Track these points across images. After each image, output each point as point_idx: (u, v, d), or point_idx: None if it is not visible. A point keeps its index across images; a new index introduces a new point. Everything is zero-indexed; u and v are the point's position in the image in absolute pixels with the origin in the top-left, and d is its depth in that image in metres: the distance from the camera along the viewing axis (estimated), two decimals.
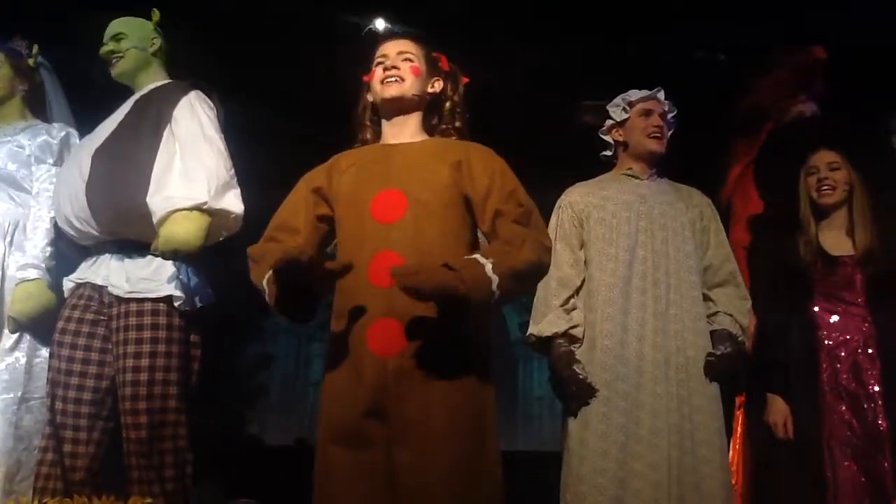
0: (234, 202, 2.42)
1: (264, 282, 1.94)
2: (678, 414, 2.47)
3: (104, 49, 2.70)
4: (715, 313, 2.65)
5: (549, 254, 2.00)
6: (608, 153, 2.87)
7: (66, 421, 2.41)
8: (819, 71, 3.39)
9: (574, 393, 2.55)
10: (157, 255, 2.36)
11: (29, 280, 2.63)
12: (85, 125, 2.80)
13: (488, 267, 1.84)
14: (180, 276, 2.42)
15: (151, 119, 2.52)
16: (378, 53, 2.17)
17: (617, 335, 2.55)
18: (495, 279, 1.84)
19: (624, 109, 2.78)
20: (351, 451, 1.90)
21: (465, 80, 2.25)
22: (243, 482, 4.47)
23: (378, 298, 1.94)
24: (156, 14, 2.72)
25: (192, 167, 2.42)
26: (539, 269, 1.99)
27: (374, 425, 1.89)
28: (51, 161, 2.77)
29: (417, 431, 1.87)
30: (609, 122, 2.81)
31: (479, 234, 2.13)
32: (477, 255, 1.88)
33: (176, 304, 2.41)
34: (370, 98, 2.20)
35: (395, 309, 1.92)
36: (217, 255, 2.43)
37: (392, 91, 2.10)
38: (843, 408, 2.66)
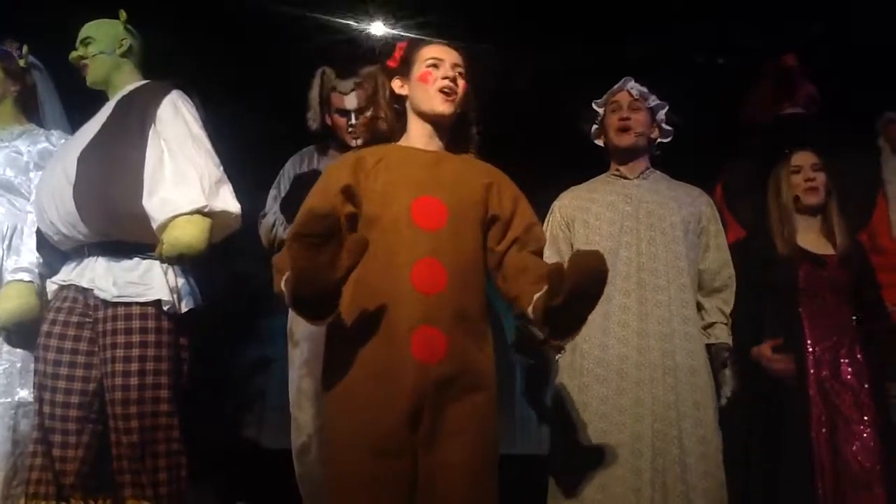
0: (231, 201, 2.42)
1: (283, 281, 1.89)
2: (665, 420, 2.44)
3: (73, 55, 2.69)
4: (712, 324, 2.62)
5: None
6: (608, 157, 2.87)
7: (54, 425, 2.40)
8: (794, 78, 3.40)
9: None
10: (160, 260, 2.36)
11: (23, 282, 2.62)
12: (77, 127, 2.78)
13: None
14: (168, 280, 2.41)
15: (135, 120, 2.50)
16: (428, 54, 2.14)
17: (597, 338, 2.51)
18: None
19: (598, 111, 2.79)
20: (380, 459, 1.88)
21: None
22: (241, 485, 4.45)
23: (422, 305, 1.95)
24: (123, 14, 2.70)
25: (185, 168, 2.41)
26: None
27: (408, 432, 1.90)
28: None
29: (447, 439, 1.90)
30: (594, 128, 2.81)
31: None
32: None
33: (165, 307, 2.40)
34: (400, 89, 2.17)
35: (438, 317, 1.94)
36: (213, 257, 2.43)
37: (447, 108, 2.11)
38: (832, 405, 2.67)
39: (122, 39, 2.72)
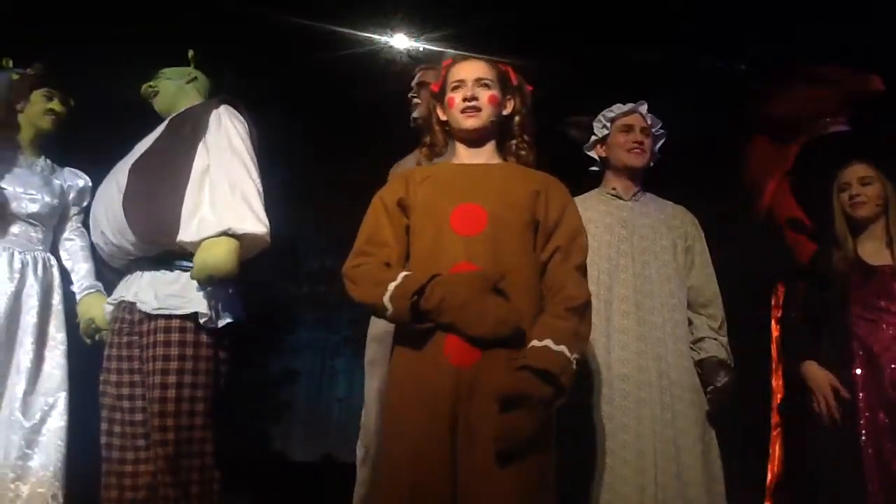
0: (256, 222, 2.41)
1: (386, 300, 1.95)
2: (662, 437, 2.45)
3: (144, 87, 2.79)
4: (701, 339, 2.61)
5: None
6: (596, 168, 2.86)
7: (125, 443, 2.43)
8: (872, 99, 3.35)
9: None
10: (195, 279, 2.40)
11: (94, 292, 2.75)
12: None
13: (565, 353, 1.89)
14: (207, 293, 2.43)
15: (186, 135, 2.55)
16: (454, 76, 2.16)
17: (601, 357, 2.53)
18: (573, 359, 1.90)
19: (605, 126, 2.77)
20: (420, 462, 1.88)
21: (530, 88, 2.25)
22: (269, 499, 4.47)
23: None
24: (191, 53, 2.81)
25: (219, 183, 2.44)
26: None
27: (445, 436, 1.89)
28: (84, 204, 2.91)
29: (484, 442, 1.87)
30: (593, 138, 2.80)
31: None
32: (549, 342, 1.89)
33: (201, 320, 2.41)
34: (442, 115, 2.19)
35: None
36: (239, 271, 2.44)
37: (472, 123, 2.11)
38: (883, 416, 2.62)
39: (190, 73, 2.82)
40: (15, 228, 2.79)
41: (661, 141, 2.78)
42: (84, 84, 3.03)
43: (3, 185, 2.75)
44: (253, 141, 2.58)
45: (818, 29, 3.63)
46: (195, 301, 2.40)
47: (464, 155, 2.17)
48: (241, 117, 2.60)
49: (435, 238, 2.02)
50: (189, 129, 2.56)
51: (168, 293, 2.41)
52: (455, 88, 2.14)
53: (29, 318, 2.70)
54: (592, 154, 2.82)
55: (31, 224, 2.81)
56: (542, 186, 2.09)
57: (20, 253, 2.76)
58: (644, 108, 2.75)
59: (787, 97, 3.55)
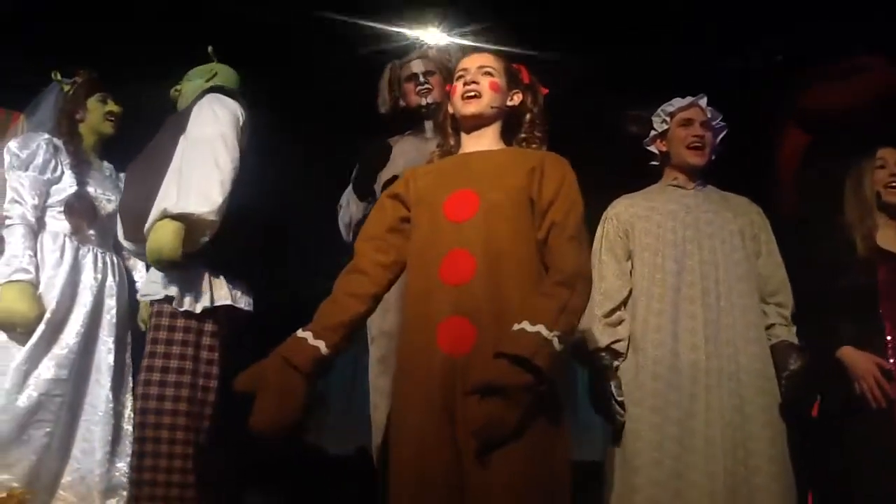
0: (196, 204, 2.40)
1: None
2: (731, 424, 2.44)
3: (171, 92, 2.90)
4: (772, 325, 2.60)
5: (590, 270, 2.02)
6: (656, 163, 2.85)
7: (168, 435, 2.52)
8: None
9: (608, 411, 2.52)
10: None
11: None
12: None
13: (542, 333, 1.81)
14: (184, 277, 2.47)
15: (173, 132, 2.62)
16: (459, 67, 2.22)
17: (668, 345, 2.52)
18: (553, 337, 1.81)
19: (664, 120, 2.76)
20: (422, 453, 1.89)
21: (545, 91, 2.27)
22: (304, 491, 4.50)
23: (449, 296, 1.95)
24: (210, 49, 2.88)
25: (182, 172, 2.48)
26: (589, 294, 1.98)
27: (444, 426, 1.89)
28: None
29: None
30: (652, 133, 2.79)
31: None
32: (525, 324, 1.82)
33: (174, 303, 2.46)
34: (451, 110, 2.24)
35: (467, 307, 1.93)
36: (265, 266, 2.47)
37: (471, 108, 2.14)
38: None
39: (212, 70, 2.88)
40: (96, 229, 2.88)
41: (723, 134, 2.76)
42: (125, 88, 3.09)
43: (89, 189, 2.84)
44: (242, 125, 2.58)
45: (829, 26, 3.58)
46: (170, 286, 2.49)
47: (467, 144, 2.19)
48: (226, 102, 2.60)
49: (430, 226, 2.05)
50: (176, 126, 2.60)
51: (152, 280, 2.52)
52: (459, 78, 2.18)
53: (108, 317, 2.79)
54: (652, 148, 2.82)
55: (106, 225, 2.90)
56: (538, 163, 2.07)
57: (102, 254, 2.84)
58: (704, 101, 2.74)
59: (824, 89, 3.51)
